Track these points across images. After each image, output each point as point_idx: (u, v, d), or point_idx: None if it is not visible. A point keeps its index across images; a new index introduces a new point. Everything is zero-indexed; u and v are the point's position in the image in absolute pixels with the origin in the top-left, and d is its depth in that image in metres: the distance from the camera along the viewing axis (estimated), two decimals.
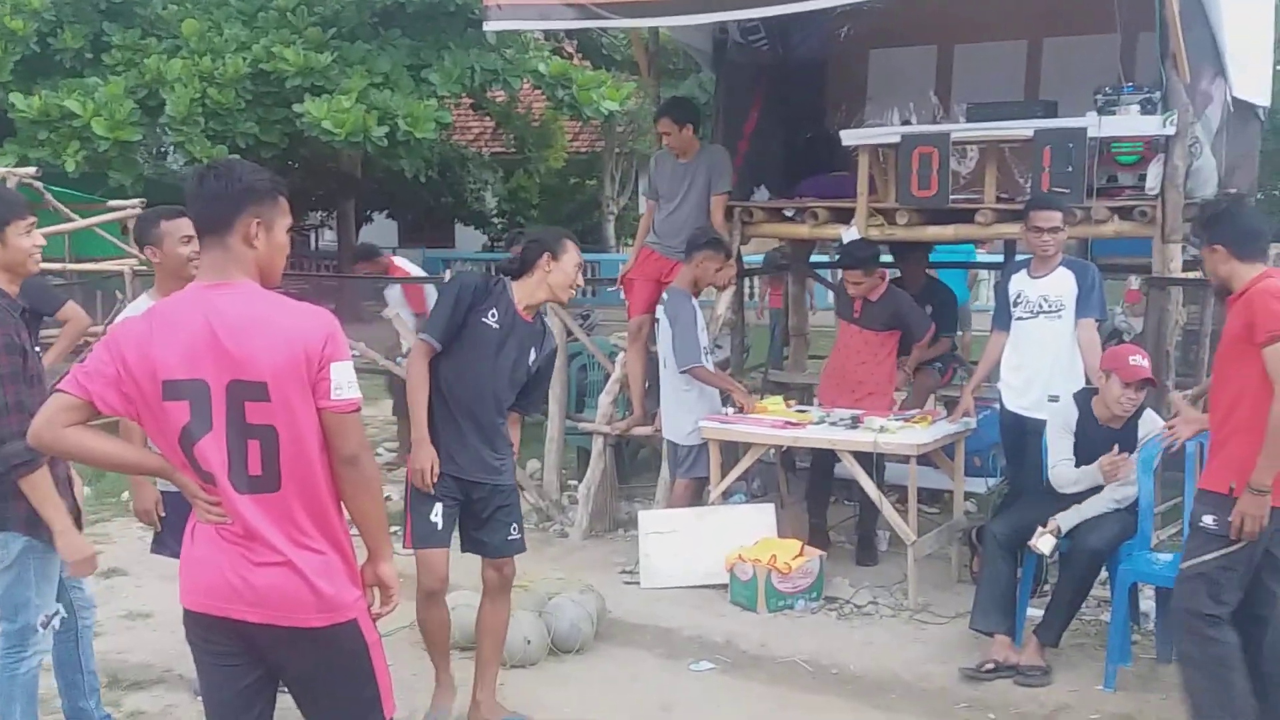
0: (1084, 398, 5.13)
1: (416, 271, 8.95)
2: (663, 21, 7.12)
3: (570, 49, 16.57)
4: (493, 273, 4.36)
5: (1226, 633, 4.00)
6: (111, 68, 13.14)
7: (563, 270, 4.28)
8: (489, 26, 7.02)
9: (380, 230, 26.21)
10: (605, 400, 7.09)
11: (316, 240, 27.76)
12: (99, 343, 2.79)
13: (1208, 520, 3.97)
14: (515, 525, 4.40)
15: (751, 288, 13.93)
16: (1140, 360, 4.90)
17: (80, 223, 9.82)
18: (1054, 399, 5.33)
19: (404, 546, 4.16)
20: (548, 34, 14.92)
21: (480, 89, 14.75)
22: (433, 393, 4.16)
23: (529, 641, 4.99)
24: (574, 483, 7.35)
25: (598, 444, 6.99)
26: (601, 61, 16.54)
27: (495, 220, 25.20)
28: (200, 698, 3.05)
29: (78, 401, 2.66)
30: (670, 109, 6.97)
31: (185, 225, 4.03)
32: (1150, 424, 4.97)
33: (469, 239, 26.27)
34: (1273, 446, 3.78)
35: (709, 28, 7.39)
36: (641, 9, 6.50)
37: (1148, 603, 5.18)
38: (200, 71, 12.78)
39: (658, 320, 6.48)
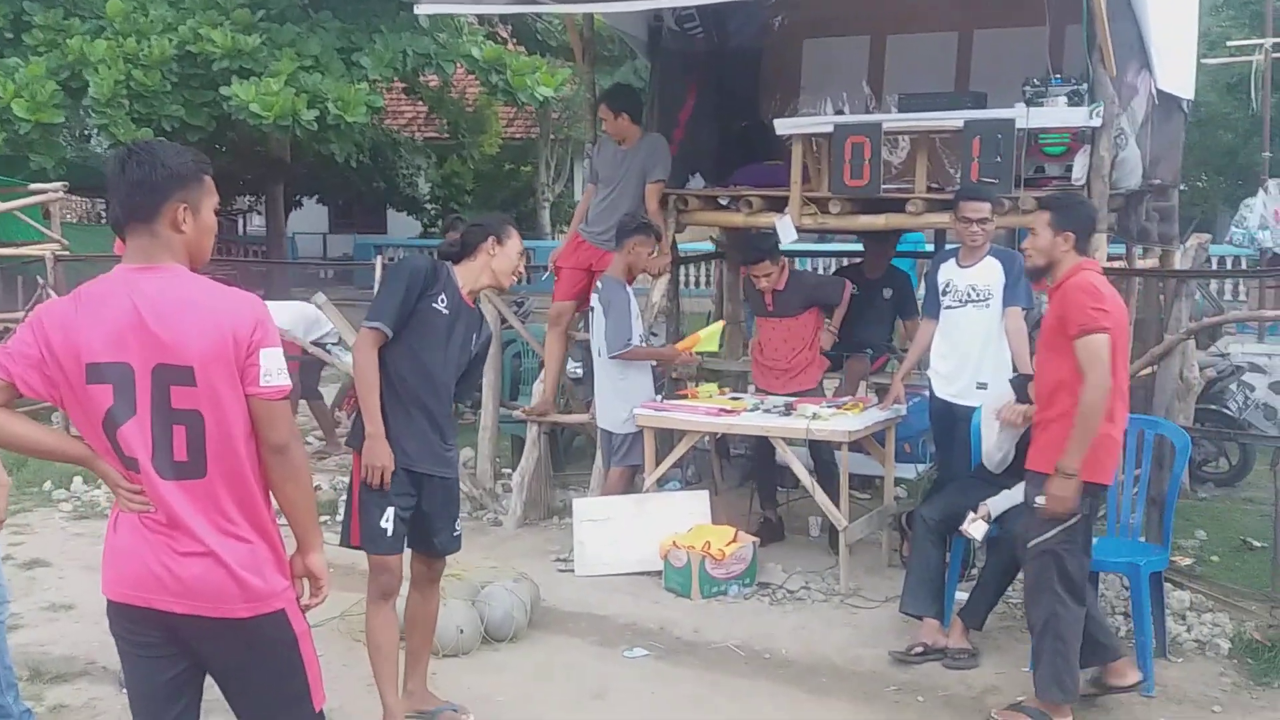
0: (1020, 384, 5.21)
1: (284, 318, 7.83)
2: (597, 8, 7.12)
3: (504, 34, 16.48)
4: (434, 257, 4.27)
5: (1075, 605, 4.25)
6: (33, 48, 12.85)
7: (506, 255, 4.23)
8: (421, 10, 6.98)
9: (310, 215, 25.94)
10: (538, 389, 7.09)
11: (245, 225, 27.36)
12: (22, 324, 2.74)
13: (1040, 500, 4.19)
14: (457, 522, 4.33)
15: (687, 275, 14.01)
16: None
17: (0, 206, 9.60)
18: (982, 386, 5.42)
19: (349, 544, 4.10)
20: (481, 18, 14.85)
21: (413, 73, 14.62)
22: (384, 383, 4.03)
23: (462, 630, 4.99)
24: (508, 471, 7.35)
25: (532, 431, 6.98)
26: (536, 47, 16.47)
27: (428, 206, 25.02)
28: (125, 690, 3.00)
29: None
30: (608, 96, 7.00)
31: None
32: None
33: (401, 225, 26.09)
34: (1080, 432, 4.04)
35: (644, 15, 7.41)
36: None
37: None
38: (125, 53, 12.54)
39: (592, 309, 6.49)
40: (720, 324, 6.55)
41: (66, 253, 9.17)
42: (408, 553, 4.25)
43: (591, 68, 8.15)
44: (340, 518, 4.27)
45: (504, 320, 7.44)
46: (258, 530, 2.74)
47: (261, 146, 17.61)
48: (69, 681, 4.69)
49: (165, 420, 2.63)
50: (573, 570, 6.03)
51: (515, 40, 16.55)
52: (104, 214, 20.07)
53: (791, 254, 7.34)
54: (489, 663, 4.94)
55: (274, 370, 2.67)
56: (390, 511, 4.04)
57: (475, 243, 4.21)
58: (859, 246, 7.84)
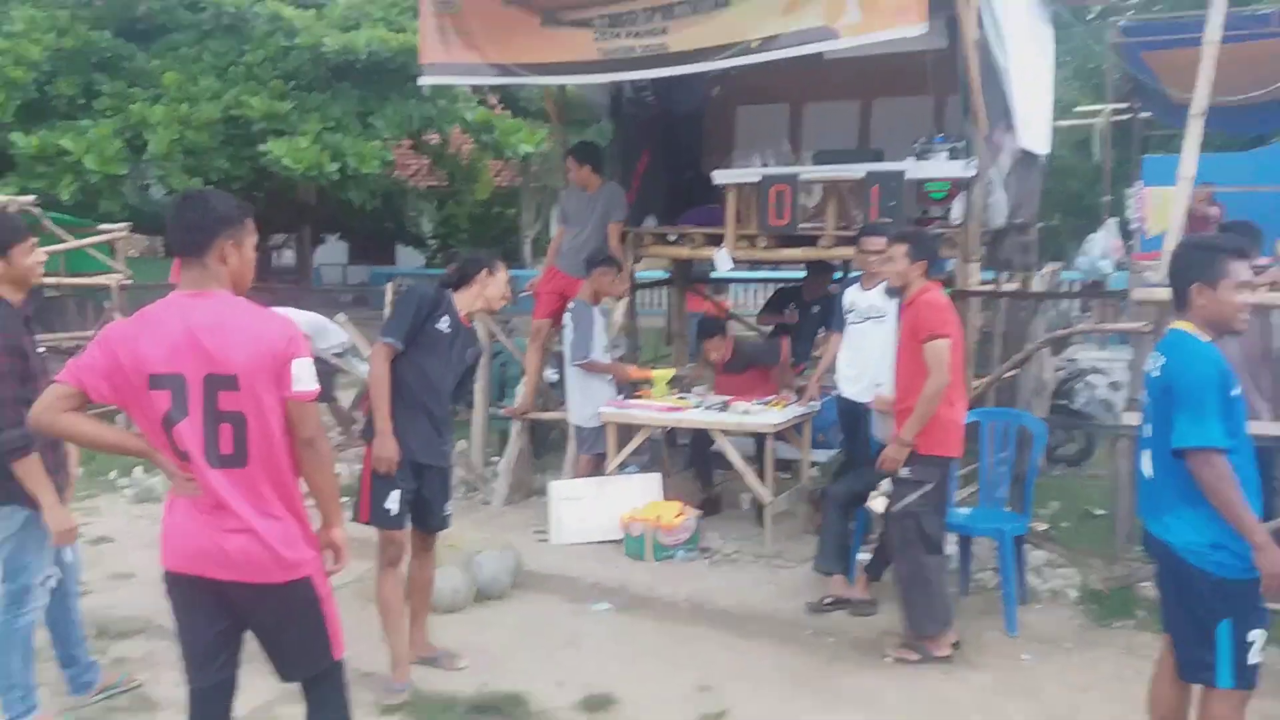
0: None
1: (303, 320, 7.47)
2: (568, 80, 7.13)
3: (493, 101, 16.44)
4: (437, 286, 4.26)
5: (935, 555, 4.36)
6: (101, 112, 12.70)
7: (497, 284, 4.24)
8: (424, 81, 6.94)
9: (333, 250, 25.74)
10: (522, 390, 7.06)
11: (278, 258, 27.05)
12: (92, 341, 2.74)
13: (904, 472, 4.34)
14: (449, 504, 4.33)
15: (643, 298, 13.98)
16: None
17: (74, 243, 9.45)
18: (879, 386, 5.45)
19: (359, 520, 4.06)
20: (474, 89, 14.79)
21: (418, 133, 14.56)
22: (392, 388, 4.02)
23: (457, 591, 4.96)
24: (496, 459, 7.30)
25: (516, 426, 6.95)
26: (519, 111, 16.45)
27: (430, 242, 24.89)
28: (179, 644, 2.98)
29: (72, 390, 2.62)
30: (574, 151, 7.00)
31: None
32: None
33: (408, 257, 25.92)
34: (920, 413, 4.25)
35: (606, 86, 7.41)
36: (551, 69, 6.49)
37: (952, 547, 5.33)
38: (179, 116, 12.42)
39: (565, 326, 6.49)
40: (671, 372, 6.59)
41: (129, 282, 9.02)
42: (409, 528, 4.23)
43: (565, 128, 8.15)
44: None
45: (493, 335, 7.42)
46: (290, 510, 2.73)
47: (292, 193, 17.43)
48: (129, 638, 4.64)
49: (214, 420, 2.62)
50: (549, 540, 6.01)
51: (502, 105, 16.52)
52: (161, 250, 19.80)
53: (741, 280, 7.38)
54: (480, 618, 4.92)
55: (305, 377, 2.69)
56: (396, 494, 4.03)
57: (471, 274, 4.22)
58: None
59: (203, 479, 2.64)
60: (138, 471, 7.41)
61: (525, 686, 4.14)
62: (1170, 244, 5.36)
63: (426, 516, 4.23)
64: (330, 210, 19.30)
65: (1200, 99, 5.20)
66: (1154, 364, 3.08)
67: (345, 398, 9.04)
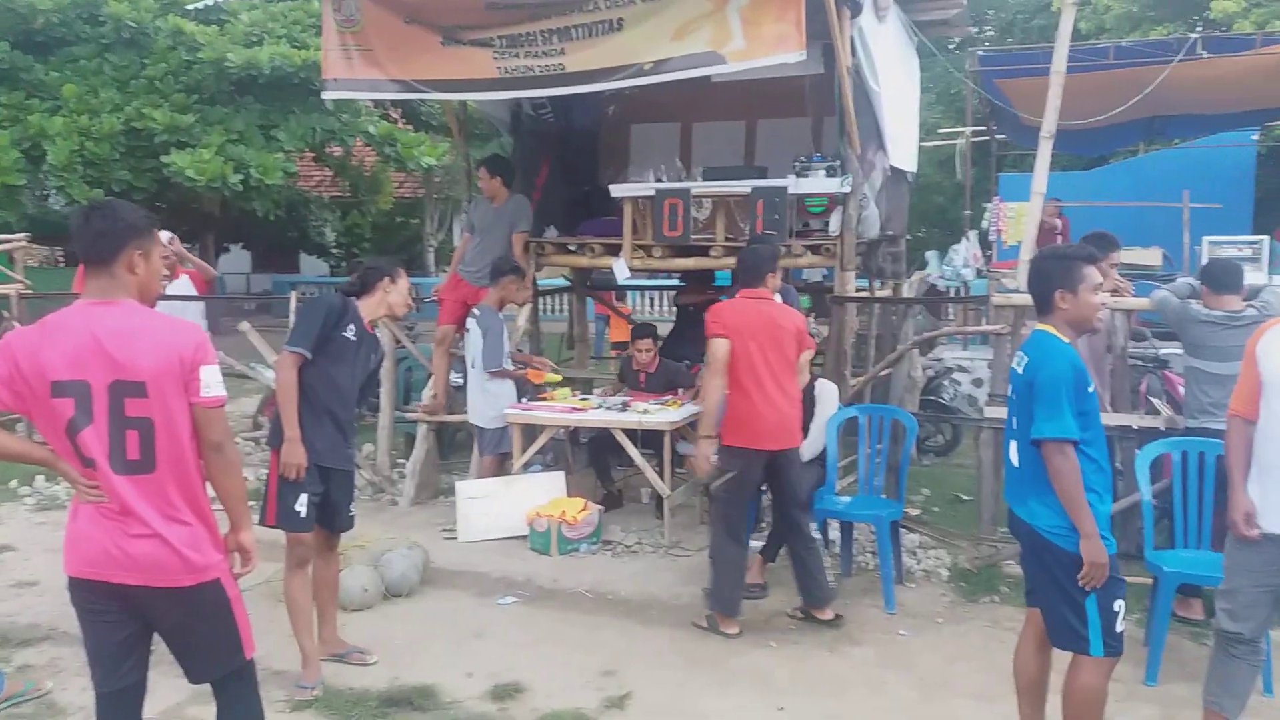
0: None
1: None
2: (469, 97, 7.07)
3: (395, 115, 16.15)
4: (341, 294, 4.13)
5: (731, 542, 4.50)
6: None
7: (399, 291, 4.18)
8: (327, 96, 6.79)
9: (237, 259, 24.87)
10: (428, 394, 6.95)
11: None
12: None
13: (713, 459, 4.50)
14: (353, 505, 4.24)
15: (545, 304, 13.93)
16: None
17: None
18: None
19: (265, 524, 3.94)
20: (376, 103, 14.51)
21: (320, 145, 14.18)
22: (300, 395, 3.92)
23: (366, 589, 4.85)
24: (402, 461, 7.17)
25: (421, 429, 6.83)
26: (421, 125, 16.20)
27: (334, 251, 24.28)
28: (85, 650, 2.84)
29: None
30: (487, 162, 6.98)
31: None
32: (822, 391, 5.20)
33: (312, 266, 25.23)
34: (705, 410, 4.44)
35: (507, 103, 7.37)
36: (452, 86, 6.42)
37: (835, 533, 5.47)
38: (79, 128, 11.82)
39: (468, 330, 6.42)
40: (558, 378, 6.61)
41: (28, 292, 8.55)
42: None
43: (466, 142, 8.08)
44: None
45: (398, 341, 7.28)
46: (197, 514, 2.65)
47: (195, 203, 16.79)
48: (34, 645, 4.38)
49: (120, 426, 2.52)
50: (456, 538, 5.92)
51: (404, 120, 16.24)
52: (60, 259, 18.80)
53: (635, 287, 7.37)
54: (389, 614, 4.82)
55: (213, 383, 2.61)
56: (304, 497, 3.95)
57: (373, 282, 4.14)
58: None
59: (108, 485, 2.54)
60: (40, 480, 7.02)
61: (435, 678, 4.07)
62: (1025, 253, 5.61)
63: (333, 518, 4.13)
64: (233, 220, 18.69)
65: (1049, 123, 5.45)
66: (1018, 362, 3.21)
67: (251, 404, 8.78)
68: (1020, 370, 3.17)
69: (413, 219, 23.47)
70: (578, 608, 4.93)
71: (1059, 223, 10.24)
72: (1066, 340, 3.12)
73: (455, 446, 7.87)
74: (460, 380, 7.25)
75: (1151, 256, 10.01)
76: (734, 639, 4.50)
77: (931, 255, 11.42)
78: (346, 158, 16.35)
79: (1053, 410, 3.00)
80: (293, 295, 8.09)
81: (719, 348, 4.46)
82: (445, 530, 6.05)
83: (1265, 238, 9.08)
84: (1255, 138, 13.63)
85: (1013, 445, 3.21)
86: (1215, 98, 9.49)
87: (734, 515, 4.56)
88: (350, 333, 3.99)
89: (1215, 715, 3.33)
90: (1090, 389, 3.09)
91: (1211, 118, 10.74)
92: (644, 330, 6.73)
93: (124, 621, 2.64)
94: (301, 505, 3.94)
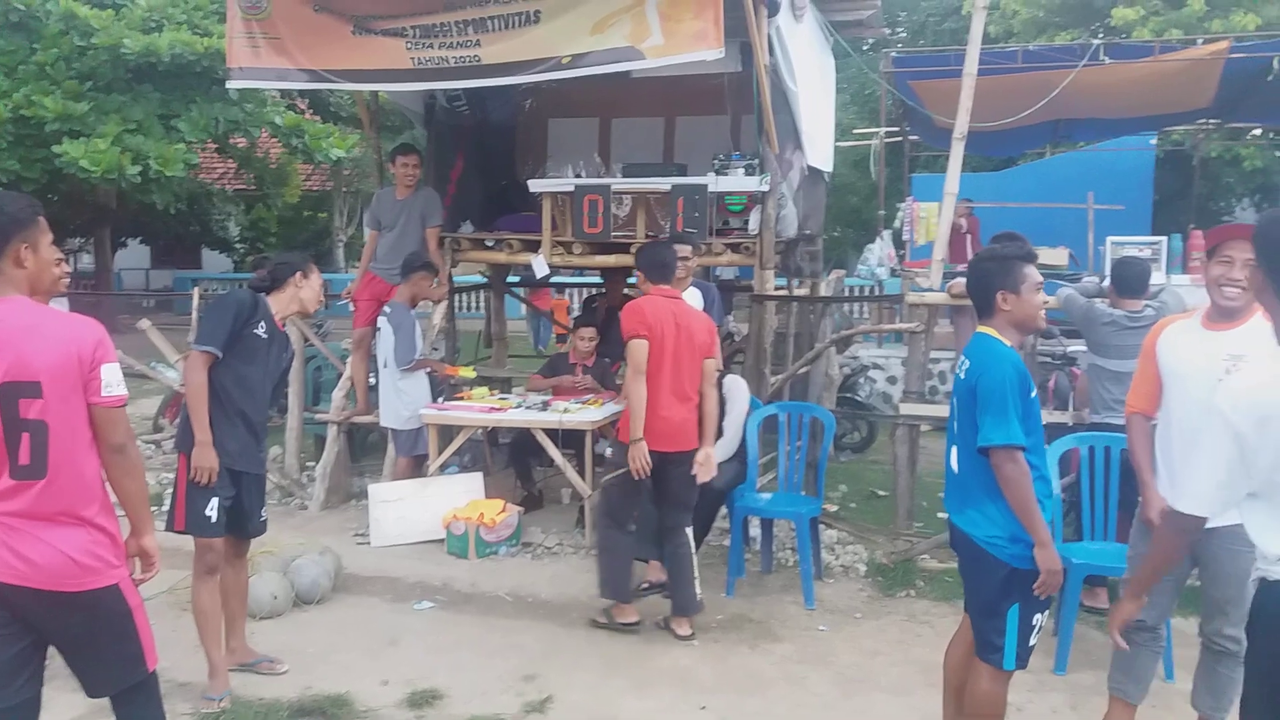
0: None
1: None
2: (381, 88, 6.94)
3: (303, 105, 15.77)
4: (250, 291, 4.00)
5: (618, 531, 4.56)
6: None
7: (311, 287, 4.08)
8: (232, 85, 6.59)
9: (134, 254, 24.04)
10: (338, 395, 6.81)
11: (75, 263, 24.94)
12: None
13: (608, 451, 4.57)
14: (263, 510, 4.14)
15: (462, 301, 13.77)
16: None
17: None
18: None
19: (174, 529, 3.82)
20: (283, 93, 14.14)
21: (224, 136, 13.74)
22: (210, 396, 3.80)
23: (275, 597, 4.73)
24: (312, 464, 7.01)
25: (332, 431, 6.69)
26: (329, 116, 15.86)
27: (238, 246, 23.58)
28: None
29: None
30: (416, 149, 6.88)
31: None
32: (732, 386, 5.22)
33: (215, 261, 24.48)
34: (632, 411, 4.43)
35: (420, 94, 7.26)
36: (363, 76, 6.29)
37: (755, 530, 5.54)
38: None
39: (379, 329, 6.31)
40: (487, 389, 6.56)
41: None
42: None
43: (377, 134, 7.94)
44: (166, 507, 3.97)
45: (307, 340, 7.11)
46: (95, 518, 2.55)
47: (90, 196, 16.12)
48: None
49: (14, 429, 2.42)
50: (369, 543, 5.81)
51: (312, 111, 15.88)
52: None
53: (555, 284, 7.33)
54: (300, 622, 4.71)
55: (114, 382, 2.52)
56: (215, 501, 3.83)
57: (284, 277, 4.04)
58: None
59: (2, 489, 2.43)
60: None
61: (349, 687, 4.00)
62: (938, 253, 5.76)
63: (243, 523, 4.02)
64: (131, 213, 18.02)
65: (961, 124, 5.61)
66: (961, 367, 3.17)
67: (152, 405, 8.49)
68: (963, 375, 3.12)
69: (320, 213, 22.97)
70: (497, 611, 4.89)
71: (965, 223, 10.56)
72: (1009, 343, 3.09)
73: (367, 448, 7.74)
74: (373, 380, 7.14)
75: (1058, 256, 10.40)
76: (655, 639, 4.52)
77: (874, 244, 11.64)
78: (251, 149, 15.92)
79: (1000, 417, 2.94)
80: (195, 292, 7.86)
81: (640, 349, 4.44)
82: (358, 535, 5.94)
83: (1164, 238, 9.51)
84: (1153, 142, 14.29)
85: (953, 451, 3.18)
86: (1117, 103, 9.90)
87: (619, 507, 4.59)
88: (261, 330, 3.88)
89: (1120, 701, 3.48)
90: (1032, 394, 3.06)
91: (1114, 122, 11.19)
92: (588, 319, 6.69)
93: (17, 634, 2.53)
94: (212, 510, 3.83)
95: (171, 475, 4.97)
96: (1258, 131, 14.78)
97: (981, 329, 3.16)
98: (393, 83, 6.34)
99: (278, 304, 4.01)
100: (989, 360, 3.04)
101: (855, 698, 3.98)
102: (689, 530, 4.68)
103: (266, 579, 4.75)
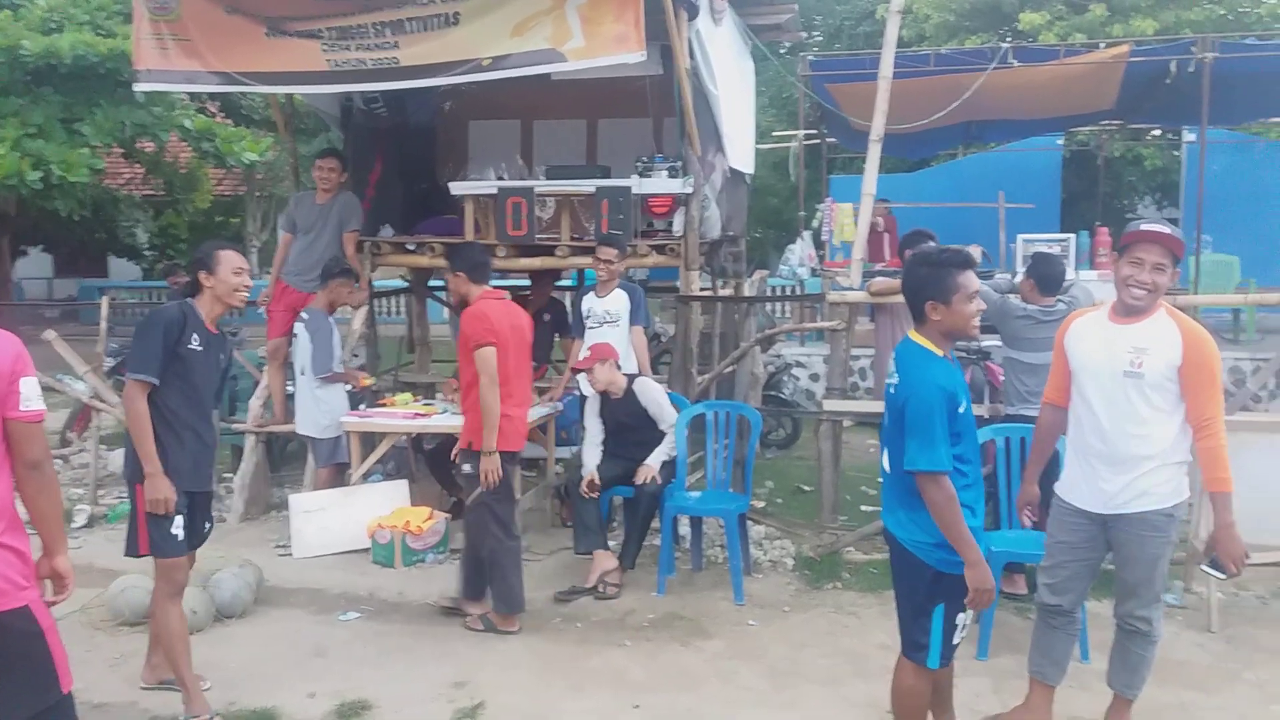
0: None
1: None
2: (296, 90, 6.84)
3: (214, 109, 15.36)
4: (180, 301, 3.86)
5: (509, 539, 4.57)
6: None
7: (222, 280, 3.82)
8: (139, 87, 6.42)
9: (36, 263, 23.14)
10: (255, 404, 6.66)
11: None
12: None
13: (466, 468, 4.57)
14: (211, 519, 4.08)
15: (382, 306, 13.58)
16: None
17: None
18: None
19: (137, 554, 3.75)
20: (192, 95, 13.77)
21: (131, 140, 13.30)
22: (155, 418, 3.66)
23: (195, 612, 4.60)
24: (229, 475, 6.83)
25: (249, 441, 6.54)
26: (241, 119, 15.46)
27: (147, 253, 22.80)
28: None
29: None
30: (335, 154, 6.78)
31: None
32: (643, 388, 5.28)
33: (123, 269, 23.64)
34: (486, 420, 4.42)
35: (336, 96, 7.15)
36: (278, 79, 6.20)
37: (685, 528, 5.58)
38: None
39: (296, 336, 6.19)
40: (410, 394, 6.49)
41: None
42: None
43: (292, 137, 7.81)
44: (74, 526, 3.85)
45: None
46: (2, 536, 2.45)
47: None
48: None
49: None
50: (291, 554, 5.70)
51: (223, 114, 15.47)
52: None
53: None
54: (222, 636, 4.60)
55: (32, 396, 2.45)
56: (179, 520, 3.75)
57: (196, 280, 3.88)
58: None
59: None
60: None
61: (275, 701, 3.92)
62: (857, 252, 5.89)
63: (190, 537, 3.90)
64: (32, 221, 17.33)
65: (878, 127, 5.74)
66: (890, 378, 3.15)
67: (60, 419, 8.19)
68: (892, 390, 3.08)
69: (233, 218, 22.39)
70: (425, 619, 4.84)
71: (882, 222, 10.80)
72: (940, 352, 3.04)
73: (287, 458, 7.58)
74: (291, 389, 7.01)
75: (971, 254, 10.70)
76: (590, 640, 4.53)
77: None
78: (160, 153, 15.44)
79: (924, 441, 2.92)
80: (104, 301, 7.61)
81: (491, 356, 4.46)
82: (279, 546, 5.82)
83: (1072, 235, 9.86)
84: (1060, 143, 14.82)
85: (885, 453, 3.19)
86: (1025, 104, 10.25)
87: (504, 513, 4.59)
88: (195, 343, 3.74)
89: (1039, 683, 3.61)
90: (962, 409, 3.02)
91: (1022, 123, 11.57)
92: None
93: None
94: (178, 528, 3.74)
95: (81, 491, 4.80)
96: (1157, 132, 15.44)
97: (912, 335, 3.10)
98: (308, 85, 6.25)
99: (202, 307, 3.85)
100: (916, 381, 2.98)
101: (785, 690, 4.05)
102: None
103: (186, 594, 4.61)
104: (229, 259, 3.85)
